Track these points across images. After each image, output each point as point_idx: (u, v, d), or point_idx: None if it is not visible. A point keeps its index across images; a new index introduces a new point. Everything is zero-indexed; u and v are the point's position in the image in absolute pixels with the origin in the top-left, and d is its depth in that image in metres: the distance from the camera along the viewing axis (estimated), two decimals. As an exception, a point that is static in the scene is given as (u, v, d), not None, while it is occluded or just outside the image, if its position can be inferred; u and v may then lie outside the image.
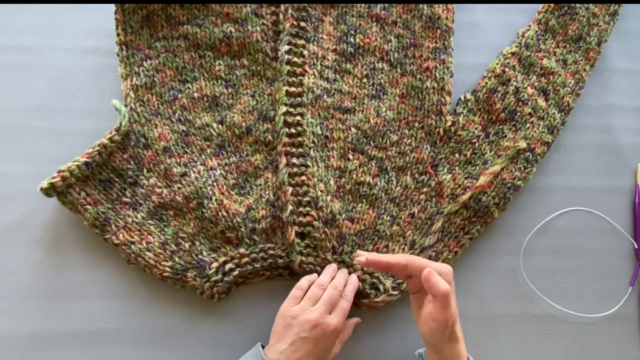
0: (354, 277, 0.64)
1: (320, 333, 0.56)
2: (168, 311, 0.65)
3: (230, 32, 0.70)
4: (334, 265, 0.65)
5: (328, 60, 0.71)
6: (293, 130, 0.68)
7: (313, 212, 0.65)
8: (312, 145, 0.68)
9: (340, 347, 0.62)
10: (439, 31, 0.74)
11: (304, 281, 0.62)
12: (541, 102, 0.74)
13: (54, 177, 0.61)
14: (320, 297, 0.59)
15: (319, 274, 0.64)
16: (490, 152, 0.71)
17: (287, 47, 0.70)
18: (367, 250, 0.67)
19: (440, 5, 0.75)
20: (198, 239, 0.65)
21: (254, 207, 0.66)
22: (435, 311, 0.53)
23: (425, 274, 0.53)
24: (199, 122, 0.68)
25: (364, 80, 0.72)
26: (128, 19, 0.68)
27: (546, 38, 0.76)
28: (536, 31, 0.76)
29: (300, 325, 0.57)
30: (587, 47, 0.77)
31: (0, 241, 0.66)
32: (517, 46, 0.75)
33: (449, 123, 0.72)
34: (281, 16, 0.72)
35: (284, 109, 0.68)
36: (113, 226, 0.64)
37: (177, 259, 0.64)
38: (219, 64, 0.70)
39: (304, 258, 0.65)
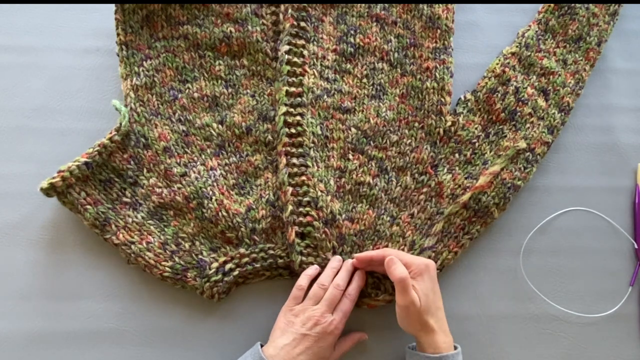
0: (359, 274, 0.64)
1: (321, 331, 0.57)
2: (168, 311, 0.65)
3: (230, 32, 0.70)
4: (338, 258, 0.64)
5: (328, 60, 0.71)
6: (293, 130, 0.68)
7: (313, 212, 0.65)
8: (312, 145, 0.68)
9: (339, 355, 0.61)
10: (439, 31, 0.74)
11: (303, 279, 0.62)
12: (541, 102, 0.74)
13: (54, 177, 0.61)
14: (321, 296, 0.60)
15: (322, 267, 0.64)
16: (490, 152, 0.71)
17: (287, 47, 0.70)
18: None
19: (440, 5, 0.75)
20: (198, 239, 0.65)
21: (254, 207, 0.66)
22: (397, 297, 0.57)
23: (387, 261, 0.58)
24: (199, 122, 0.68)
25: (364, 80, 0.72)
26: (128, 19, 0.68)
27: (546, 38, 0.76)
28: (536, 31, 0.76)
29: (302, 323, 0.58)
30: (587, 47, 0.77)
31: (0, 241, 0.66)
32: (517, 46, 0.75)
33: (449, 123, 0.72)
34: (281, 16, 0.72)
35: (284, 109, 0.68)
36: (113, 226, 0.64)
37: (177, 259, 0.64)
38: (219, 64, 0.70)
39: (304, 258, 0.65)
